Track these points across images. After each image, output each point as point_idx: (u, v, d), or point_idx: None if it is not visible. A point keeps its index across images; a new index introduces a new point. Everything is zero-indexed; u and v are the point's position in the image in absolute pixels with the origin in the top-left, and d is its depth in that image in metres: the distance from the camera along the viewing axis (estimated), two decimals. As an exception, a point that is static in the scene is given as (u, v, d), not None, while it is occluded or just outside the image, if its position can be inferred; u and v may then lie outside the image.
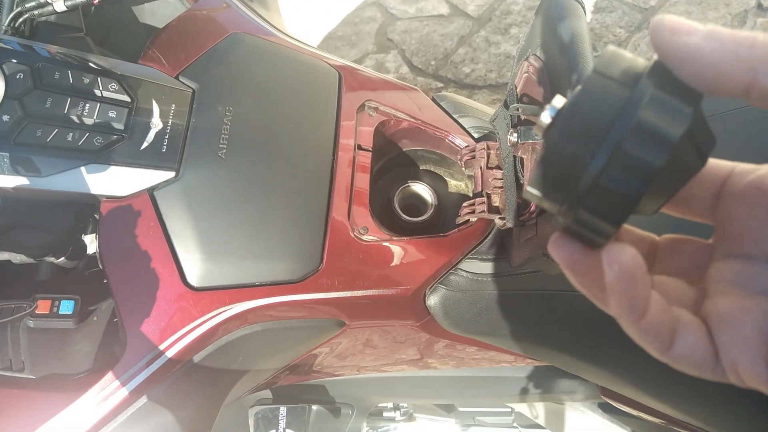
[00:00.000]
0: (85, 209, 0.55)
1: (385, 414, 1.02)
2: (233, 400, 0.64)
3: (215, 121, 0.53)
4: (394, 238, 0.56)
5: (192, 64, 0.56)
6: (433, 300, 0.58)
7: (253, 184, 0.52)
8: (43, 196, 0.50)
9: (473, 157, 0.58)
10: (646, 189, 0.19)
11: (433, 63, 1.93)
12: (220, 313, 0.51)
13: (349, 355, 0.68)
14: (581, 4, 0.44)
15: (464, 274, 0.58)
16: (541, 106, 0.47)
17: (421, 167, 0.68)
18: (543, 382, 0.77)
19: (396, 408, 1.01)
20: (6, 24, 0.56)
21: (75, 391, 0.50)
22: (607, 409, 0.85)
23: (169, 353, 0.50)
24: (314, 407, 0.78)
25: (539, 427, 0.98)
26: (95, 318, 0.57)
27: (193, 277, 0.51)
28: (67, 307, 0.56)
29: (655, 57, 0.21)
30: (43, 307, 0.55)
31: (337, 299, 0.54)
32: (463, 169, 0.60)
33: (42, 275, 0.61)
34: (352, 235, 0.54)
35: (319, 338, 0.57)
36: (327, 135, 0.57)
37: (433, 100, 0.65)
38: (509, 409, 0.94)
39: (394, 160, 0.65)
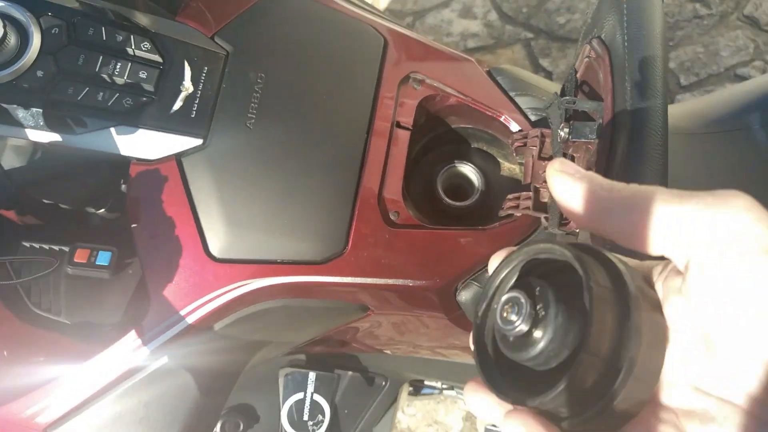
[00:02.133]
0: (121, 165, 0.55)
1: (426, 382, 1.02)
2: (262, 362, 0.64)
3: (246, 88, 0.51)
4: (428, 226, 0.52)
5: (229, 24, 0.53)
6: (464, 296, 0.54)
7: (279, 158, 0.50)
8: (77, 152, 0.50)
9: (525, 145, 0.52)
10: None
11: (525, 10, 1.79)
12: (239, 286, 0.50)
13: (406, 332, 0.66)
14: (662, -19, 0.36)
15: (500, 270, 0.53)
16: (598, 101, 0.41)
17: (473, 145, 0.62)
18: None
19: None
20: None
21: (102, 343, 0.51)
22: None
23: (189, 319, 0.51)
24: (348, 374, 0.78)
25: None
26: (130, 272, 0.58)
27: (215, 248, 0.50)
28: (103, 258, 0.57)
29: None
30: (81, 255, 0.57)
31: (359, 285, 0.51)
32: (514, 155, 0.55)
33: (88, 223, 0.62)
34: (382, 219, 0.51)
35: (341, 320, 0.56)
36: (363, 108, 0.52)
37: (489, 74, 0.58)
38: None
39: (442, 136, 0.60)
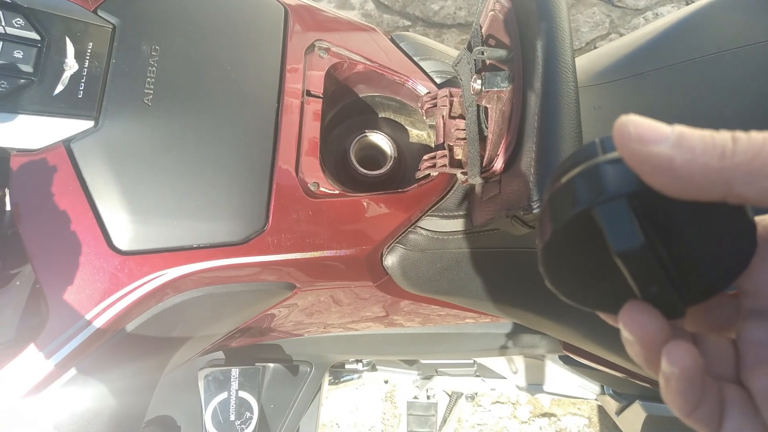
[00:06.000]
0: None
1: (347, 366, 1.01)
2: (180, 364, 0.60)
3: (139, 62, 0.46)
4: (348, 194, 0.51)
5: (112, -5, 0.48)
6: (390, 260, 0.54)
7: (184, 134, 0.46)
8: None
9: (435, 105, 0.53)
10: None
11: (400, -1, 1.82)
12: (152, 279, 0.46)
13: (315, 313, 0.64)
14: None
15: (424, 232, 0.54)
16: (508, 49, 0.42)
17: (380, 115, 0.62)
18: (506, 338, 0.75)
19: (358, 360, 1.00)
20: None
21: (-6, 365, 0.45)
22: (568, 362, 0.85)
23: (97, 323, 0.46)
24: (270, 366, 0.75)
25: (500, 377, 0.98)
26: (18, 283, 0.51)
27: (121, 240, 0.45)
28: (-23, 276, 0.50)
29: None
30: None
31: (285, 261, 0.49)
32: (425, 118, 0.55)
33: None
34: (301, 191, 0.49)
35: (267, 302, 0.53)
36: (271, 79, 0.50)
37: (392, 41, 0.59)
38: (471, 361, 0.93)
39: (349, 107, 0.59)
